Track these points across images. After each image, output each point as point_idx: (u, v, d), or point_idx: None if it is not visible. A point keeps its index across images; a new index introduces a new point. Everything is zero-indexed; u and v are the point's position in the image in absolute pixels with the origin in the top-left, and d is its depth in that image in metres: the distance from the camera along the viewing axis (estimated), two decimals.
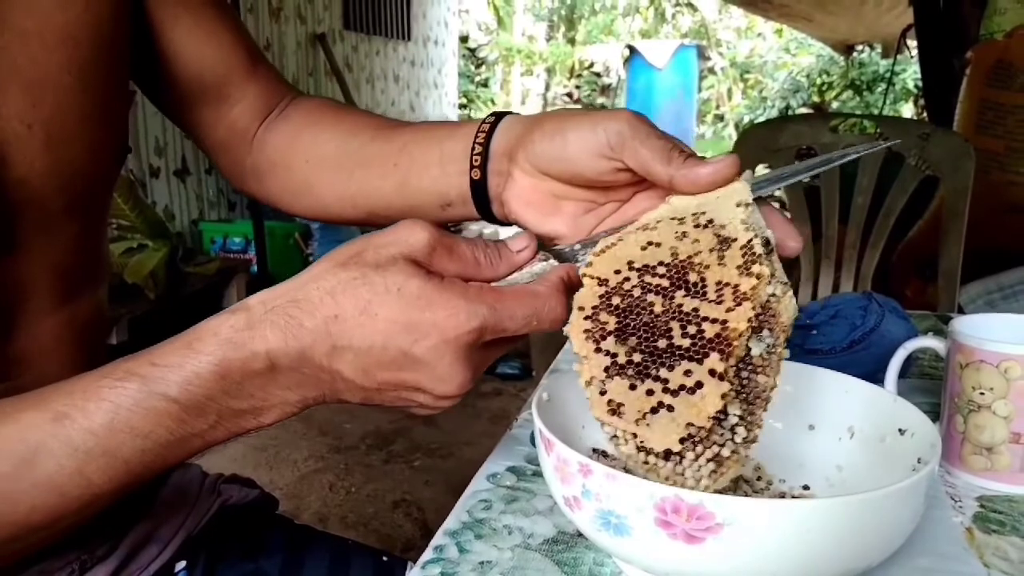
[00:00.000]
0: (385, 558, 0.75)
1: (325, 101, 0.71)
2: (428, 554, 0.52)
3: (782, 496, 0.56)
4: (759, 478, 0.58)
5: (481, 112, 10.46)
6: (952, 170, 1.53)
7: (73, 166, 0.54)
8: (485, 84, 11.21)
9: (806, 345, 0.85)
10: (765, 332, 0.44)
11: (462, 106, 9.41)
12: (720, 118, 11.06)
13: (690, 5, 11.91)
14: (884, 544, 0.44)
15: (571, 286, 0.47)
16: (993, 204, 1.85)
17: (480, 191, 0.56)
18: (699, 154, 0.50)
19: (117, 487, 0.43)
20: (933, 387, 0.81)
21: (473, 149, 0.55)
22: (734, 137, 9.36)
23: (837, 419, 0.57)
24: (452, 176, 0.57)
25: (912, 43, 3.59)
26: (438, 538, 0.54)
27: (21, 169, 0.51)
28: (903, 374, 0.71)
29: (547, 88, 12.05)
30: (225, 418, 0.43)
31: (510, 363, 3.09)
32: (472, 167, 0.55)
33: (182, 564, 0.68)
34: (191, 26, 0.63)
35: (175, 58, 0.63)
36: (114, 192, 0.65)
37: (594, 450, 0.56)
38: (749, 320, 0.43)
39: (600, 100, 11.41)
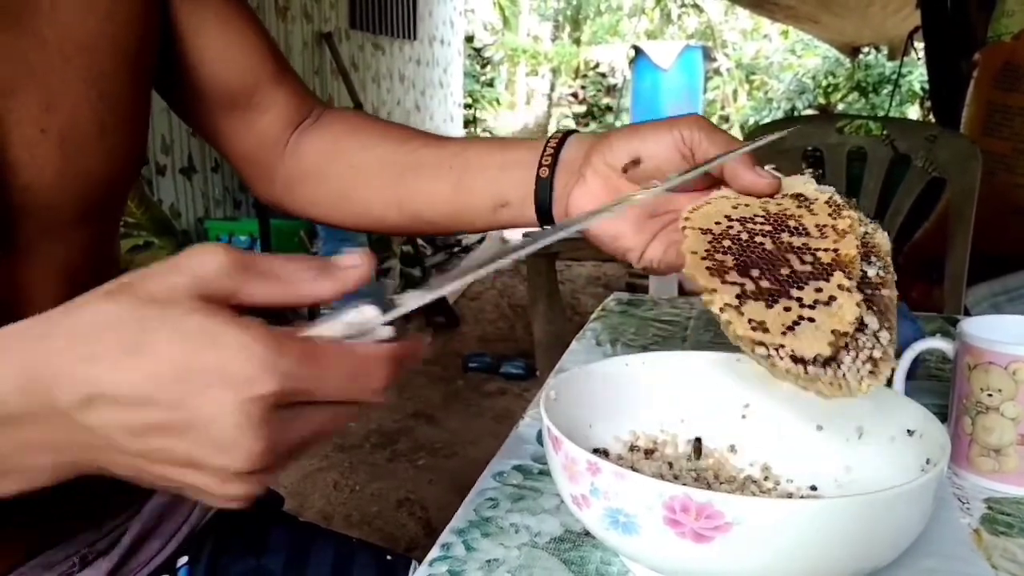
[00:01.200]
0: (389, 556, 0.75)
1: (362, 112, 0.73)
2: (435, 552, 0.52)
3: (789, 496, 0.56)
4: (766, 478, 0.58)
5: (486, 111, 10.46)
6: (959, 172, 1.53)
7: (87, 174, 0.54)
8: (490, 84, 11.22)
9: None
10: (873, 258, 0.48)
11: (467, 106, 9.43)
12: (725, 119, 11.05)
13: (696, 6, 11.90)
14: (892, 545, 0.44)
15: (403, 359, 0.37)
16: (1000, 206, 1.84)
17: (545, 191, 0.58)
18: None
19: None
20: (940, 388, 0.80)
21: (544, 151, 0.58)
22: (740, 138, 9.33)
23: (845, 419, 0.57)
24: (514, 178, 0.59)
25: (919, 45, 3.58)
26: (445, 536, 0.54)
27: (30, 174, 0.50)
28: (910, 376, 0.71)
29: (552, 88, 12.05)
30: None
31: (514, 363, 3.09)
32: (541, 166, 0.58)
33: (184, 559, 0.68)
34: (218, 33, 0.63)
35: (202, 66, 0.63)
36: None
37: (596, 450, 0.56)
38: (857, 247, 0.47)
39: (605, 100, 11.41)
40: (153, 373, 0.33)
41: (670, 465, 0.58)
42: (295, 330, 0.35)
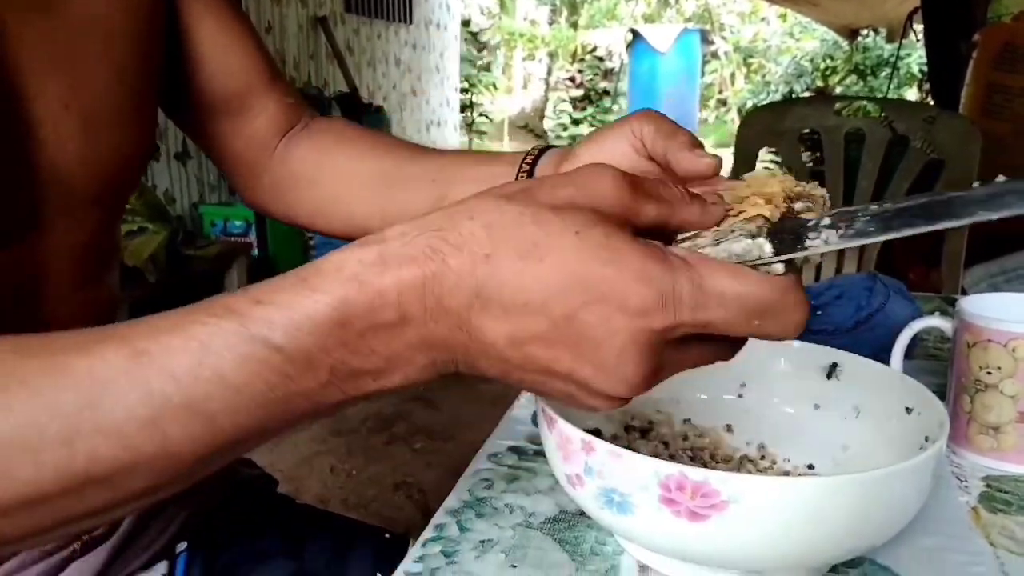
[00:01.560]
0: (387, 535, 0.75)
1: (350, 122, 0.73)
2: (429, 532, 0.52)
3: (786, 475, 0.55)
4: (763, 457, 0.57)
5: (483, 96, 10.41)
6: (958, 153, 1.52)
7: (106, 155, 0.54)
8: (487, 68, 11.16)
9: (810, 325, 0.84)
10: (802, 201, 0.40)
11: (464, 90, 9.38)
12: (723, 103, 11.01)
13: None
14: (890, 523, 0.44)
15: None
16: None
17: None
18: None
19: (202, 450, 0.34)
20: (938, 368, 0.80)
21: (520, 167, 0.59)
22: (737, 122, 9.32)
23: (843, 398, 0.57)
24: None
25: (918, 27, 3.56)
26: (439, 516, 0.54)
27: (55, 151, 0.51)
28: (908, 355, 0.71)
29: (549, 72, 12.00)
30: (340, 377, 0.34)
31: None
32: (518, 178, 0.59)
33: (183, 545, 0.68)
34: (217, 33, 0.64)
35: (200, 64, 0.64)
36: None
37: (589, 430, 0.56)
38: (783, 189, 0.39)
39: (603, 84, 11.36)
40: (549, 281, 0.32)
41: (665, 444, 0.58)
42: (695, 257, 0.33)
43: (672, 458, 0.56)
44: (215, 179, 3.89)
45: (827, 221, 0.36)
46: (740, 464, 0.57)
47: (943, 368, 0.81)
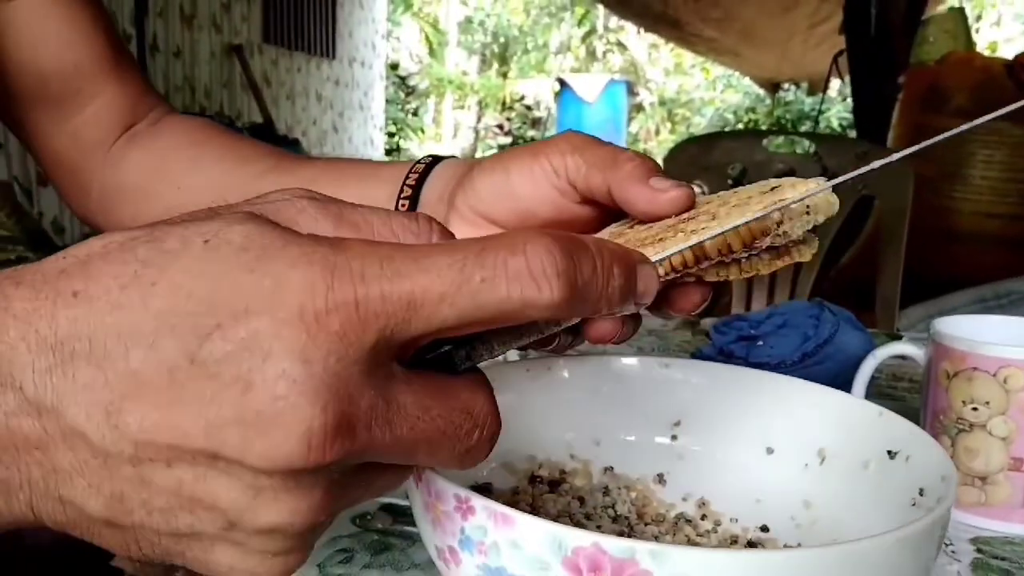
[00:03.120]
0: None
1: (211, 122, 0.60)
2: None
3: (734, 541, 0.43)
4: (704, 516, 0.45)
5: (411, 141, 10.36)
6: (890, 190, 1.47)
7: None
8: (415, 113, 11.12)
9: (751, 358, 0.73)
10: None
11: (390, 134, 9.28)
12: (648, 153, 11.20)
13: (620, 44, 12.09)
14: None
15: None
16: (928, 229, 1.80)
17: None
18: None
19: None
20: (896, 409, 0.69)
21: (401, 192, 0.46)
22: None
23: (803, 439, 0.45)
24: None
25: (836, 82, 3.62)
26: None
27: None
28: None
29: (479, 120, 12.03)
30: None
31: None
32: (399, 207, 0.46)
33: None
34: (36, 8, 0.52)
35: (15, 34, 0.52)
36: None
37: (478, 485, 0.42)
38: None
39: (531, 133, 11.43)
40: (158, 309, 0.21)
41: (581, 501, 0.44)
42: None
43: (588, 519, 0.43)
44: None
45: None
46: (676, 526, 0.44)
47: (900, 410, 0.70)
